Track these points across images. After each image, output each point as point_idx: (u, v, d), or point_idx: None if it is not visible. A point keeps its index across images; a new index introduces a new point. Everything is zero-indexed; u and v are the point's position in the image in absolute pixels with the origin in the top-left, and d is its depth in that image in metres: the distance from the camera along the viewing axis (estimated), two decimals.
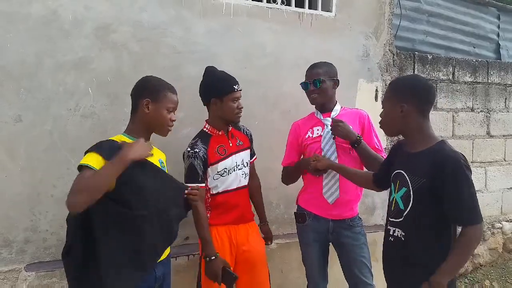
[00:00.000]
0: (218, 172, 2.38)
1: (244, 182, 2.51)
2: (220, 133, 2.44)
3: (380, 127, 2.00)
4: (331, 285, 2.68)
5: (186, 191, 2.08)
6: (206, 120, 2.48)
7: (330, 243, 2.60)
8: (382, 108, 1.95)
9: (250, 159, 2.61)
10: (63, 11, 2.46)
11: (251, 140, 2.63)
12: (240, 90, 2.42)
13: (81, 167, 1.72)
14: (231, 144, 2.46)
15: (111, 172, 1.69)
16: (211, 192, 2.41)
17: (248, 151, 2.57)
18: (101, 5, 2.54)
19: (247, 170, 2.54)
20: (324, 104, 2.55)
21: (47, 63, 2.44)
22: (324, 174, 2.46)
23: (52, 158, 2.47)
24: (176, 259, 2.75)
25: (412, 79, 1.99)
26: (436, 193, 1.72)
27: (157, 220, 1.86)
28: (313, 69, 2.52)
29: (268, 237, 2.72)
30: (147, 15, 2.66)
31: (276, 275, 3.07)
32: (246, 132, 2.62)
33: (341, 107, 2.61)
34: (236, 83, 2.40)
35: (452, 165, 1.69)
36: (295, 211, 2.65)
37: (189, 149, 2.34)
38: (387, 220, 1.97)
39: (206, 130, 2.44)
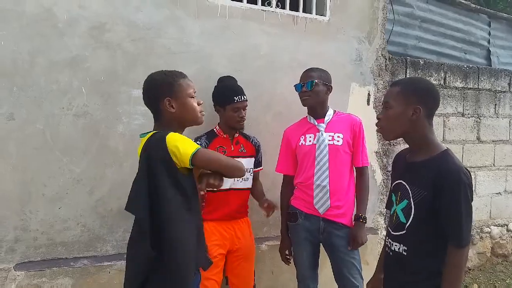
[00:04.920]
0: None
1: (240, 185, 2.62)
2: (225, 136, 2.64)
3: (379, 129, 1.84)
4: (321, 287, 2.69)
5: None
6: (218, 123, 2.69)
7: (321, 245, 2.62)
8: (387, 107, 1.77)
9: (255, 168, 2.74)
10: (58, 10, 2.45)
11: (257, 151, 2.78)
12: (244, 100, 2.58)
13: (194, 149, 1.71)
14: (232, 149, 2.64)
15: None
16: None
17: (252, 159, 2.71)
18: (96, 4, 2.53)
19: (246, 175, 2.63)
20: (315, 107, 2.59)
21: (41, 61, 2.43)
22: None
23: (44, 157, 2.46)
24: None
25: (427, 82, 1.87)
26: (435, 207, 1.64)
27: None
28: (308, 72, 2.61)
29: (268, 206, 2.56)
30: (142, 15, 2.66)
31: (267, 277, 3.08)
32: (254, 142, 2.77)
33: (334, 111, 2.65)
34: (239, 94, 2.58)
35: (452, 181, 1.60)
36: (288, 210, 2.67)
37: (193, 140, 2.47)
38: (387, 231, 1.87)
39: (215, 130, 2.67)
